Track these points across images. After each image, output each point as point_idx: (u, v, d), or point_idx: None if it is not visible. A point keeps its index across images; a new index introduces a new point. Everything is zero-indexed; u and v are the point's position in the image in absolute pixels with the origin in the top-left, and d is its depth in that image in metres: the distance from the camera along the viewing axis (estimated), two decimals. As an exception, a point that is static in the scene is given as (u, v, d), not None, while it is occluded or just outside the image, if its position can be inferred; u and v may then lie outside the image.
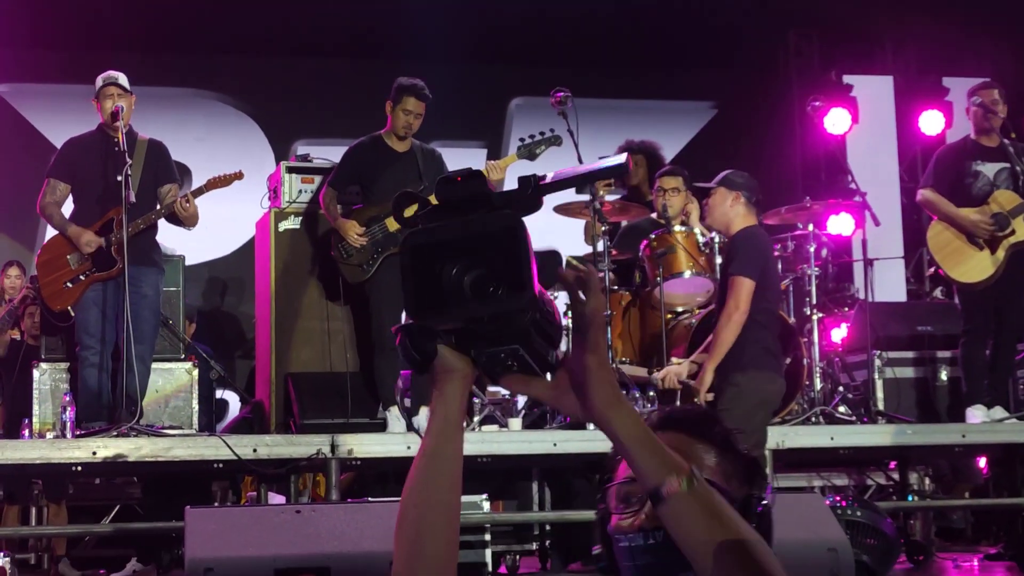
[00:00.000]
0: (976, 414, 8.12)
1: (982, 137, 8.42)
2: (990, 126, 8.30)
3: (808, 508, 6.07)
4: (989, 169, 8.30)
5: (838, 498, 6.93)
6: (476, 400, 9.07)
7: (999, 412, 8.23)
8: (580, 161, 8.07)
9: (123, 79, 7.70)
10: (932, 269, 9.51)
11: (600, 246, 8.09)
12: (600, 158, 7.63)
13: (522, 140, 8.38)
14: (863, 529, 6.51)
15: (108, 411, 7.50)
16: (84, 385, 7.55)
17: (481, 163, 8.34)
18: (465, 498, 7.74)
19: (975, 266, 7.91)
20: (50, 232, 8.01)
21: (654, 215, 8.83)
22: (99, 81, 7.71)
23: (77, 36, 11.13)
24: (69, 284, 7.63)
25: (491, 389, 10.73)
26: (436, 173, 8.16)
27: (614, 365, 8.05)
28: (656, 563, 2.25)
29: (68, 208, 7.86)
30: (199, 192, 7.73)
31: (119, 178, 7.34)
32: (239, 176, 7.79)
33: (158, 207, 7.67)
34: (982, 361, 8.26)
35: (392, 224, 7.93)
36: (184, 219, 7.66)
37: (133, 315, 7.30)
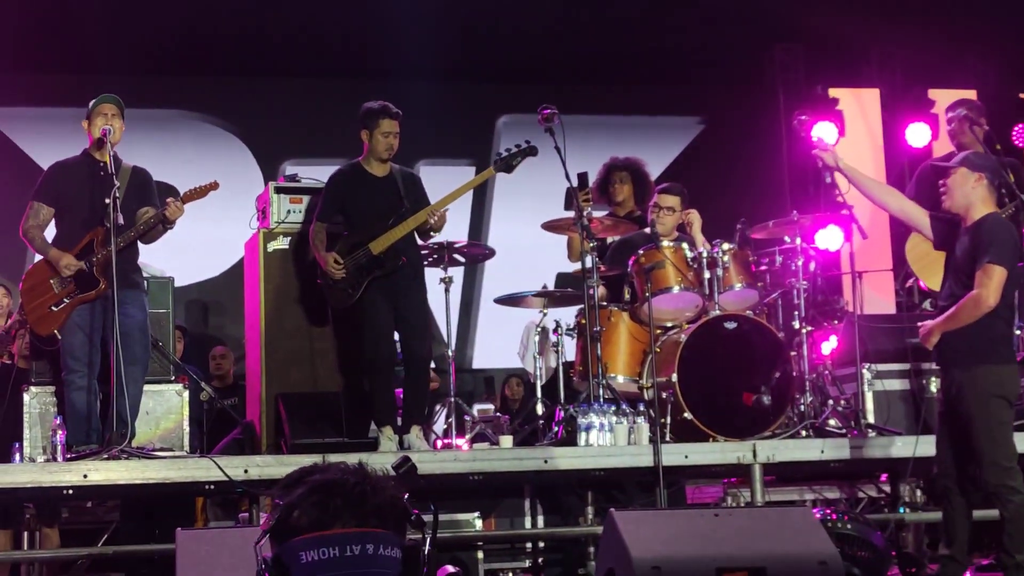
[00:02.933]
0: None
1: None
2: (973, 139, 8.32)
3: (798, 522, 6.08)
4: (971, 181, 8.32)
5: (828, 511, 6.94)
6: (467, 418, 9.09)
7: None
8: (568, 179, 8.09)
9: (118, 100, 7.69)
10: (911, 280, 9.51)
11: (588, 262, 8.10)
12: (579, 175, 7.70)
13: (499, 154, 8.40)
14: (854, 542, 6.52)
15: (98, 434, 7.48)
16: (71, 408, 7.52)
17: (468, 178, 8.35)
18: (457, 516, 7.75)
19: None
20: (35, 256, 7.98)
21: (647, 230, 8.86)
22: (93, 101, 7.70)
23: (64, 59, 11.15)
24: (54, 308, 7.61)
25: (480, 407, 10.80)
26: (417, 195, 8.19)
27: (604, 381, 8.06)
28: None
29: (51, 232, 7.85)
30: (190, 197, 7.71)
31: (106, 200, 7.32)
32: (214, 186, 7.74)
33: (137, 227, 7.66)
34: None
35: (376, 247, 7.95)
36: (171, 221, 7.61)
37: (120, 336, 7.28)
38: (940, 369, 6.92)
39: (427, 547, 2.76)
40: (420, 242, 8.32)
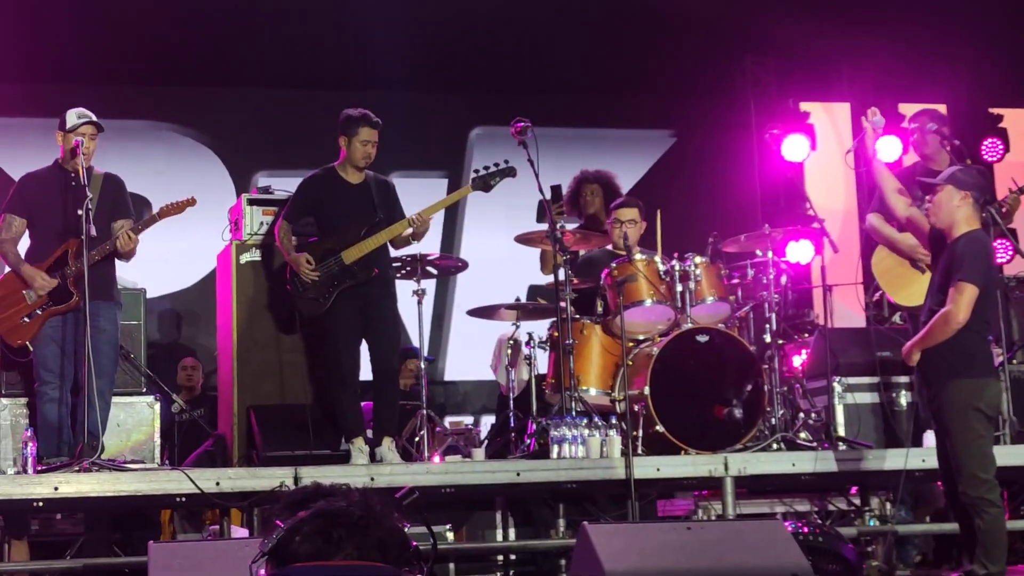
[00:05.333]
0: (932, 436, 8.16)
1: (930, 163, 8.51)
2: (939, 150, 8.38)
3: (771, 535, 6.10)
4: (938, 194, 8.36)
5: (800, 524, 6.97)
6: (439, 431, 9.09)
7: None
8: (541, 191, 8.11)
9: (99, 124, 7.66)
10: (878, 294, 9.57)
11: (561, 275, 8.12)
12: (552, 187, 7.75)
13: (476, 171, 8.41)
14: (824, 555, 6.54)
15: (69, 446, 7.46)
16: (43, 420, 7.51)
17: (442, 193, 8.36)
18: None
19: (917, 290, 7.91)
20: (6, 268, 7.95)
21: (609, 246, 8.90)
22: (73, 117, 7.65)
23: (34, 69, 11.09)
24: (26, 319, 7.59)
25: (453, 419, 10.80)
26: (390, 204, 8.18)
27: (576, 393, 8.08)
28: None
29: (25, 243, 7.82)
30: (152, 220, 7.68)
31: (79, 212, 7.30)
32: (191, 202, 7.73)
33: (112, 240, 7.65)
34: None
35: (348, 256, 7.94)
36: (123, 253, 7.62)
37: (91, 349, 7.26)
38: (922, 385, 6.99)
39: None
40: (393, 252, 8.32)
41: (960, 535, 6.98)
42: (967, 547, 6.83)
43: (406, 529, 2.71)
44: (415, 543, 2.70)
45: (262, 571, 2.59)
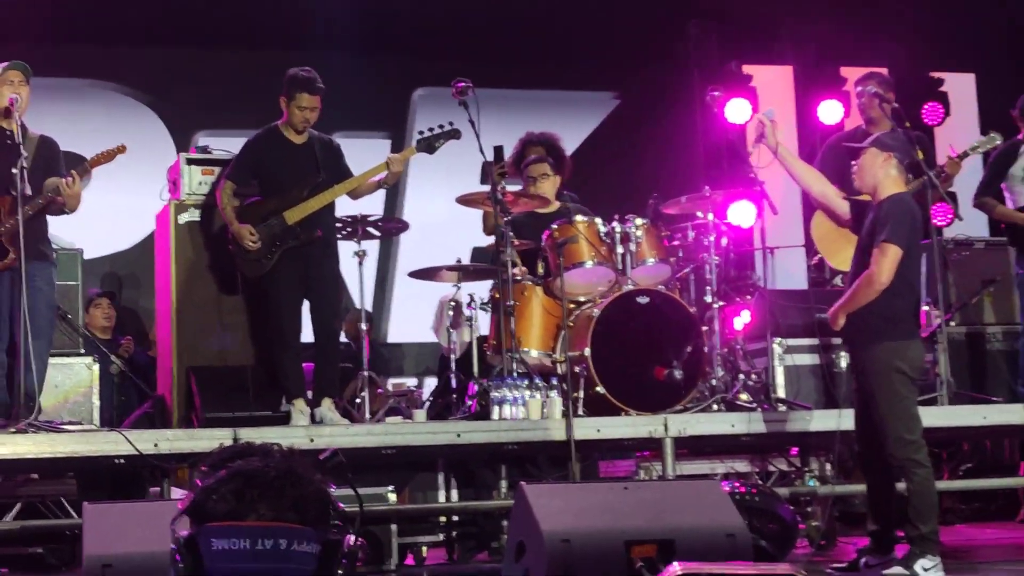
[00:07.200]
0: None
1: (872, 126, 8.52)
2: (881, 114, 8.39)
3: (707, 495, 6.14)
4: (876, 158, 8.39)
5: (737, 484, 7.02)
6: (380, 392, 9.08)
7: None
8: (482, 152, 8.08)
9: (26, 68, 7.56)
10: (817, 257, 9.61)
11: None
12: (495, 148, 7.70)
13: (421, 133, 8.40)
14: (761, 515, 6.59)
15: (5, 408, 7.39)
16: (-22, 382, 7.45)
17: (384, 154, 8.32)
18: (370, 490, 7.73)
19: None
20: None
21: (555, 207, 8.84)
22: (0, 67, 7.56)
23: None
24: (-39, 281, 7.51)
25: (395, 380, 10.78)
26: (335, 163, 8.15)
27: (518, 355, 8.08)
28: None
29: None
30: (84, 171, 7.59)
31: (13, 170, 7.22)
32: (122, 150, 7.61)
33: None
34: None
35: (291, 217, 7.91)
36: (67, 198, 7.49)
37: (28, 310, 7.18)
38: (847, 349, 7.02)
39: (348, 540, 2.70)
40: (353, 202, 8.28)
41: (867, 495, 7.04)
42: (872, 507, 6.91)
43: (332, 490, 2.70)
44: (341, 504, 2.70)
45: (184, 531, 2.59)
